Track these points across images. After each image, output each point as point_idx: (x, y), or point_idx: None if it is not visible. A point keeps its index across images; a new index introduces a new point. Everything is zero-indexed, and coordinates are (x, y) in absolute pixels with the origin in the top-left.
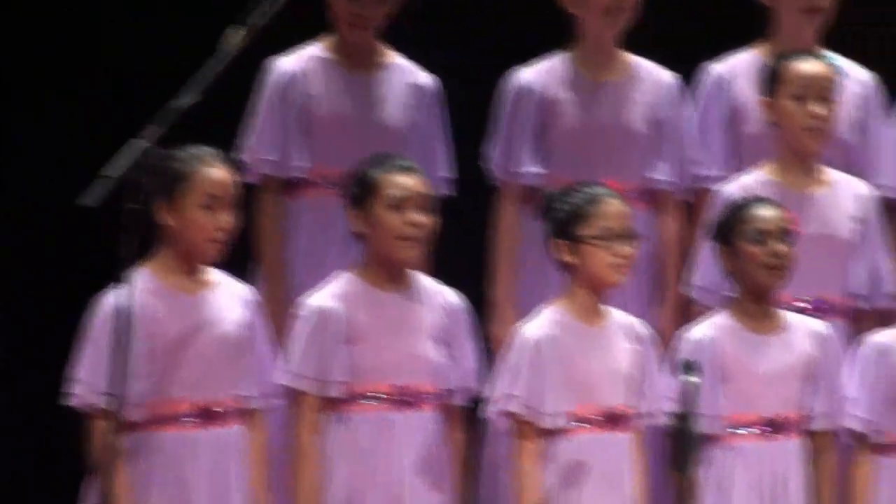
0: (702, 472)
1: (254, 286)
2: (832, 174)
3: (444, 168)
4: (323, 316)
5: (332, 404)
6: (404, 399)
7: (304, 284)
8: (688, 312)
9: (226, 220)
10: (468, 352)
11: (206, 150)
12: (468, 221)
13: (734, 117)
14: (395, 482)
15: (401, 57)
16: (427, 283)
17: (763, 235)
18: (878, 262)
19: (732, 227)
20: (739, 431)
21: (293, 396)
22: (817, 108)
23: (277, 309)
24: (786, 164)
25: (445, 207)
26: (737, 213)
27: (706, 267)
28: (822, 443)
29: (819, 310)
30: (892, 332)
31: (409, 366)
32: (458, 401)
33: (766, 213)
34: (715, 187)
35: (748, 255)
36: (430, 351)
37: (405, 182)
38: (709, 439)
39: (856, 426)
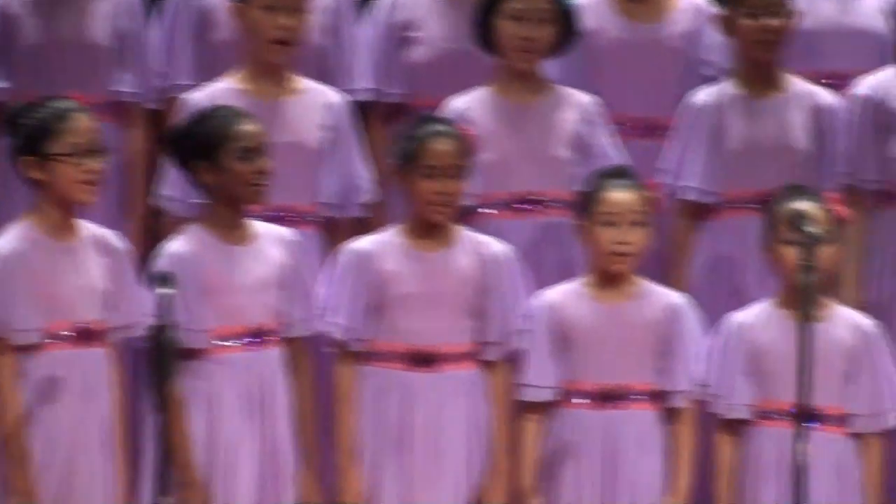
0: (188, 385)
1: None
2: (302, 82)
3: None
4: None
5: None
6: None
7: None
8: (159, 224)
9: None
10: None
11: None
12: None
13: (203, 24)
14: None
15: None
16: None
17: (248, 153)
18: (351, 171)
19: (216, 143)
20: (223, 343)
21: None
22: (286, 20)
23: None
24: (254, 72)
25: None
26: (218, 128)
27: (174, 177)
28: (300, 349)
29: (290, 219)
30: (369, 240)
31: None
32: None
33: (249, 128)
34: (182, 96)
35: (233, 172)
36: None
37: None
38: (194, 353)
39: (335, 333)
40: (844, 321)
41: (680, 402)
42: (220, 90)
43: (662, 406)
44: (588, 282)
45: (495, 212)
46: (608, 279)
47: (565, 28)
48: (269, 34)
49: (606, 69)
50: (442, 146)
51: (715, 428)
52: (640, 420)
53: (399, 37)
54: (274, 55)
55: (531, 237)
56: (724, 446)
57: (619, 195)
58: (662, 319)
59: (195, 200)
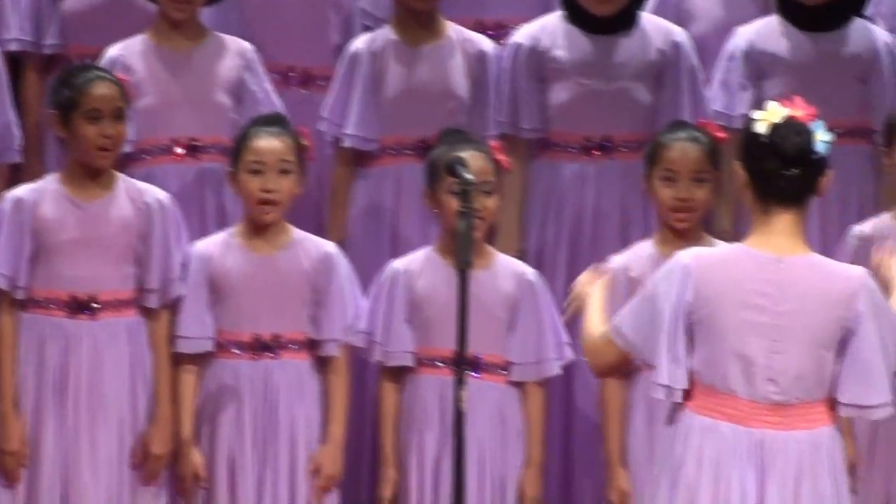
0: None
1: None
2: None
3: None
4: None
5: None
6: None
7: None
8: None
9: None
10: None
11: None
12: None
13: None
14: None
15: None
16: None
17: None
18: (6, 117)
19: None
20: None
21: None
22: None
23: None
24: None
25: None
26: None
27: None
28: None
29: None
30: (27, 188)
31: None
32: None
33: None
34: None
35: None
36: None
37: None
38: None
39: None
40: (506, 270)
41: (333, 351)
42: None
43: (316, 355)
44: (239, 231)
45: (155, 158)
46: (259, 228)
47: None
48: None
49: (263, 19)
50: (104, 90)
51: (379, 375)
52: (296, 369)
53: None
54: None
55: (190, 183)
56: (388, 394)
57: (266, 143)
58: (314, 268)
59: None
